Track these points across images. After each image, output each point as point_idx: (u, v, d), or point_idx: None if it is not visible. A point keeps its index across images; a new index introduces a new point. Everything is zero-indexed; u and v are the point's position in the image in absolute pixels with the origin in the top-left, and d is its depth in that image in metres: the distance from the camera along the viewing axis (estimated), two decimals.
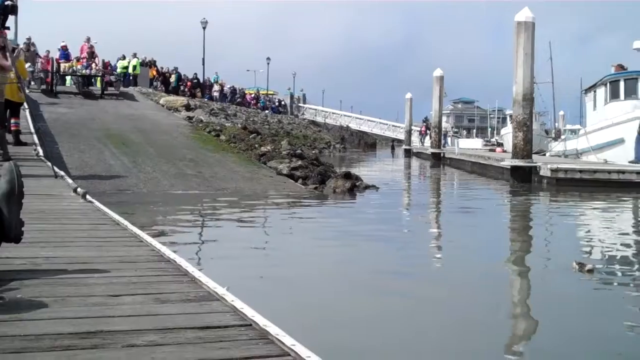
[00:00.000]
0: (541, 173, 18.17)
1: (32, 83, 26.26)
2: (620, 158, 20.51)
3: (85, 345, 2.04)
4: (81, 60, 28.30)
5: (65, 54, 29.10)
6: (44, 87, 26.47)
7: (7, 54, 10.18)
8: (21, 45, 23.82)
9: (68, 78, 29.24)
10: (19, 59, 11.92)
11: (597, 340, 4.75)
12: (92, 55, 28.50)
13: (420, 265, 7.37)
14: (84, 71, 27.60)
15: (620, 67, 25.30)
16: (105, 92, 27.10)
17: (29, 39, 28.99)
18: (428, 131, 54.36)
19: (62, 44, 29.59)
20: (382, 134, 67.90)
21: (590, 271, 6.57)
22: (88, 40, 29.99)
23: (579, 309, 5.65)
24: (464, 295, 5.98)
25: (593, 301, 5.94)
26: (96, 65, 28.10)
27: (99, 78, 27.97)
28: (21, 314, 2.38)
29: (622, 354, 4.46)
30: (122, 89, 29.53)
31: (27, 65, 21.77)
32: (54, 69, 26.96)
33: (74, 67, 27.91)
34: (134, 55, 35.30)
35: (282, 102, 65.86)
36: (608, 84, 24.15)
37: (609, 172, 17.35)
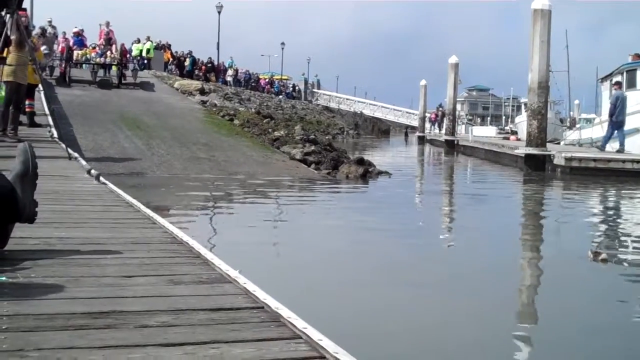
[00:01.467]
0: (555, 162, 18.07)
1: (46, 71, 24.34)
2: (635, 147, 20.35)
3: (98, 325, 2.04)
4: (96, 48, 26.86)
5: (79, 39, 27.56)
6: (57, 75, 25.03)
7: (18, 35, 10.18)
8: (37, 29, 23.00)
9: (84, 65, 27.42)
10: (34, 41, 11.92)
11: (604, 330, 4.73)
12: (109, 41, 27.19)
13: (432, 253, 7.37)
14: (98, 59, 25.99)
15: (638, 56, 24.98)
16: (122, 82, 25.49)
17: (49, 21, 27.10)
18: (437, 118, 54.18)
19: (76, 29, 28.11)
20: (396, 120, 67.75)
21: (604, 260, 6.53)
22: (107, 24, 28.53)
23: (594, 299, 5.63)
24: (477, 284, 5.96)
25: (606, 290, 5.92)
26: (112, 53, 26.50)
27: (114, 67, 26.11)
28: (34, 293, 2.39)
29: (630, 345, 4.45)
30: (139, 76, 27.65)
31: (43, 48, 21.45)
32: (67, 57, 25.35)
33: (88, 55, 26.35)
34: (148, 39, 35.24)
35: (296, 88, 65.77)
36: (625, 73, 23.89)
37: (624, 161, 17.22)
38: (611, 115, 20.31)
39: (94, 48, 27.16)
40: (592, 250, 6.78)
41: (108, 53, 26.41)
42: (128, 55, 31.18)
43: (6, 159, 7.01)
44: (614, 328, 4.76)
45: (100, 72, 26.13)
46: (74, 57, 26.14)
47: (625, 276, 6.47)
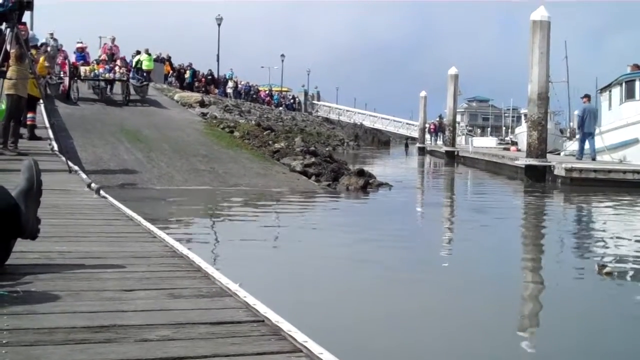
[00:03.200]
0: (555, 172, 18.06)
1: (48, 91, 21.98)
2: (635, 158, 20.38)
3: (99, 339, 2.04)
4: (101, 64, 25.88)
5: (81, 55, 26.30)
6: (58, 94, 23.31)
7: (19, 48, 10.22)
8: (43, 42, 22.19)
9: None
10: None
11: (607, 342, 4.72)
12: (112, 57, 26.68)
13: (434, 265, 7.35)
14: (106, 75, 24.77)
15: (636, 66, 25.04)
16: (129, 99, 24.40)
17: (51, 34, 25.87)
18: (437, 129, 54.22)
19: (79, 44, 26.91)
20: (396, 131, 67.86)
21: (608, 273, 6.50)
22: (113, 40, 28.13)
23: (600, 312, 5.62)
24: (479, 297, 5.95)
25: (612, 304, 5.90)
26: (120, 68, 25.57)
27: (122, 83, 24.88)
28: (35, 307, 2.39)
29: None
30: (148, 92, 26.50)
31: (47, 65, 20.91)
32: (71, 74, 23.64)
33: (96, 71, 24.95)
34: (146, 51, 35.17)
35: (296, 99, 65.90)
36: (623, 84, 23.95)
37: (624, 172, 17.22)
38: (579, 127, 22.58)
39: (99, 63, 26.32)
40: (599, 264, 6.77)
41: (117, 69, 25.61)
42: (131, 70, 30.90)
43: (6, 172, 7.03)
44: (617, 340, 4.75)
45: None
46: (82, 73, 24.75)
47: (631, 289, 6.47)
